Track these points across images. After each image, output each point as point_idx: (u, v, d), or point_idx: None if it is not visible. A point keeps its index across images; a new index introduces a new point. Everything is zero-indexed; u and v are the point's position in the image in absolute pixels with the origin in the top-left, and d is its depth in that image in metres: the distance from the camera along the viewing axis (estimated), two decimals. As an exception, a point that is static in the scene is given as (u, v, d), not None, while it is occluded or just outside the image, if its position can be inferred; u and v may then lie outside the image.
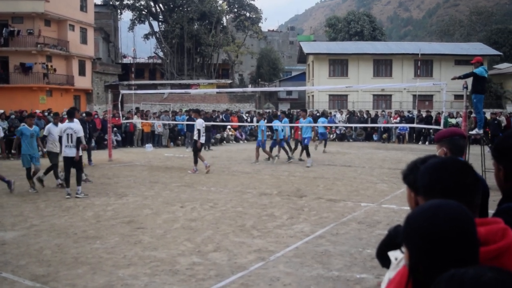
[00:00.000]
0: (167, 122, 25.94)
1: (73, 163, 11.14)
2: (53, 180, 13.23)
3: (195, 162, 15.38)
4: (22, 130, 12.25)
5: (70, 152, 11.10)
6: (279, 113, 23.87)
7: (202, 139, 15.65)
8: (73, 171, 11.16)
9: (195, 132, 15.36)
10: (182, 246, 7.04)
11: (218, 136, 27.90)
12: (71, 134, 11.07)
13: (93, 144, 19.77)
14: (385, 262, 2.24)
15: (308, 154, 17.01)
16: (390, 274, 2.04)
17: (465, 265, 1.41)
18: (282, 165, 17.38)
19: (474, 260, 1.46)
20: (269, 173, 15.07)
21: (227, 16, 59.39)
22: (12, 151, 17.74)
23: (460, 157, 3.46)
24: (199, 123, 15.39)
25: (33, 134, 12.07)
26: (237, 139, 30.14)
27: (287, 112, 27.15)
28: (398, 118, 29.88)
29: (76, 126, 11.29)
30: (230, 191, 11.79)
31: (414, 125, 18.98)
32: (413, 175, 2.18)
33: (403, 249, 2.10)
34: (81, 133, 11.30)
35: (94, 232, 7.81)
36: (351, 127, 30.19)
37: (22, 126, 13.05)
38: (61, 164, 11.97)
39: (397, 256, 2.09)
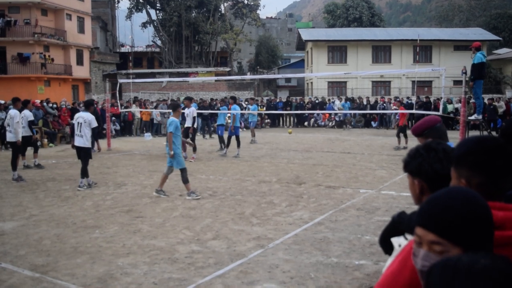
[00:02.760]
0: (166, 111, 25.88)
1: (81, 152, 10.93)
2: (51, 170, 13.26)
3: (194, 149, 15.36)
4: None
5: (78, 141, 10.90)
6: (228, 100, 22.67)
7: (195, 125, 15.80)
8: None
9: (190, 119, 15.39)
10: (181, 234, 7.04)
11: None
12: (81, 123, 10.83)
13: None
14: (388, 249, 2.24)
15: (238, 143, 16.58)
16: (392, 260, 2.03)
17: (479, 249, 1.42)
18: (282, 152, 17.36)
19: (488, 245, 1.47)
20: (268, 161, 15.06)
21: (225, 4, 59.01)
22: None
23: (450, 142, 3.44)
24: (193, 111, 15.51)
25: None
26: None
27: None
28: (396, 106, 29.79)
29: (87, 115, 11.01)
30: (229, 179, 11.79)
31: (413, 111, 18.90)
32: (416, 162, 2.17)
33: (407, 235, 2.09)
34: (94, 124, 10.98)
35: (93, 222, 7.81)
36: (351, 114, 30.13)
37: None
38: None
39: (401, 243, 2.08)
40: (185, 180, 9.64)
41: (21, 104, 13.29)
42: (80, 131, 10.84)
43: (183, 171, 9.65)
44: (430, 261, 1.46)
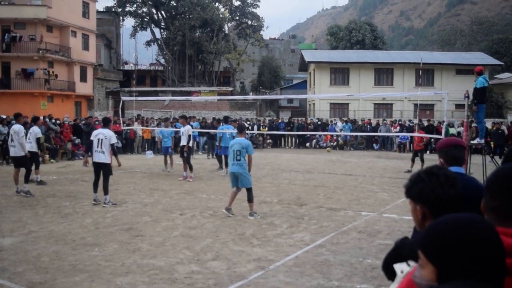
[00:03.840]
0: (168, 130, 25.88)
1: (102, 169, 10.89)
2: (51, 186, 13.24)
3: (191, 168, 15.35)
4: None
5: (98, 157, 10.87)
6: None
7: (190, 143, 15.87)
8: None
9: (185, 138, 15.44)
10: (181, 254, 6.98)
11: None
12: (102, 140, 10.84)
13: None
14: (391, 275, 2.20)
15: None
16: (394, 287, 1.99)
17: (493, 277, 1.42)
18: (283, 172, 17.32)
19: (501, 271, 1.46)
20: (269, 181, 15.01)
21: (228, 24, 59.51)
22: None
23: (459, 167, 3.42)
24: (189, 129, 15.58)
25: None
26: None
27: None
28: (398, 127, 29.82)
29: (108, 132, 11.06)
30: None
31: (415, 134, 18.87)
32: (417, 187, 2.15)
33: (410, 262, 2.07)
34: (113, 140, 11.07)
35: (93, 239, 7.76)
36: (353, 135, 30.12)
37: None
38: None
39: (403, 269, 2.05)
40: (250, 199, 9.77)
41: (31, 121, 13.36)
42: (100, 148, 10.84)
43: (250, 190, 9.80)
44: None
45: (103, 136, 10.88)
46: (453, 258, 1.45)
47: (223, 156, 16.89)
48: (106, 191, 10.76)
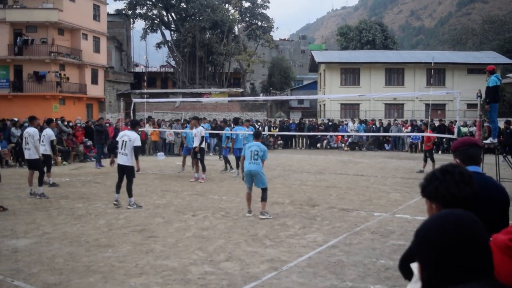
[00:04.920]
0: (178, 131, 25.98)
1: (124, 171, 10.76)
2: (64, 188, 13.33)
3: (204, 169, 15.38)
4: None
5: (121, 159, 10.75)
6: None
7: (203, 145, 15.92)
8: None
9: (197, 139, 15.43)
10: (194, 255, 7.00)
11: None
12: (126, 142, 10.69)
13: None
14: (408, 274, 2.20)
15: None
16: (411, 286, 1.99)
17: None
18: (294, 173, 17.31)
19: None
20: (281, 182, 15.00)
21: (238, 25, 59.60)
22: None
23: (475, 166, 3.39)
24: (201, 130, 15.56)
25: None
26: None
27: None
28: (410, 127, 29.65)
29: (133, 134, 10.87)
30: (242, 199, 11.71)
31: (427, 134, 18.74)
32: (432, 186, 2.14)
33: None
34: (137, 142, 10.79)
35: (106, 241, 7.80)
36: (364, 136, 30.01)
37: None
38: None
39: None
40: (264, 198, 9.88)
41: (45, 123, 13.45)
42: (124, 149, 10.70)
43: (265, 190, 9.93)
44: None
45: (128, 138, 10.73)
46: (437, 258, 1.47)
47: (235, 158, 16.91)
48: (129, 194, 10.71)
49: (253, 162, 9.78)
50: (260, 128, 30.17)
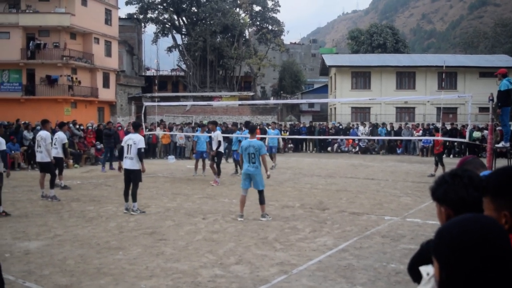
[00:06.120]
0: (189, 134, 26.06)
1: (131, 175, 10.59)
2: (76, 191, 13.40)
3: (218, 173, 15.42)
4: None
5: (126, 163, 10.61)
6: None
7: (220, 148, 15.98)
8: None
9: (215, 143, 15.51)
10: (204, 258, 7.01)
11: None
12: (131, 145, 10.52)
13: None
14: (417, 277, 2.20)
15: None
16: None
17: (499, 279, 1.39)
18: (305, 177, 17.28)
19: (508, 273, 1.43)
20: (291, 186, 14.99)
21: (249, 29, 59.69)
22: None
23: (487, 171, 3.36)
24: (218, 134, 15.61)
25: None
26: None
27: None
28: (421, 131, 29.48)
29: (137, 137, 10.69)
30: (252, 203, 11.71)
31: (438, 137, 18.63)
32: (441, 189, 2.15)
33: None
34: (141, 144, 10.61)
35: (117, 243, 7.84)
36: (374, 140, 29.89)
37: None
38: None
39: (429, 271, 2.04)
40: (262, 201, 9.94)
41: (57, 126, 13.55)
42: (130, 153, 10.55)
43: (262, 192, 10.00)
44: None
45: (132, 141, 10.57)
46: (459, 259, 1.45)
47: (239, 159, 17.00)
48: (134, 198, 10.56)
49: (251, 166, 9.90)
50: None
